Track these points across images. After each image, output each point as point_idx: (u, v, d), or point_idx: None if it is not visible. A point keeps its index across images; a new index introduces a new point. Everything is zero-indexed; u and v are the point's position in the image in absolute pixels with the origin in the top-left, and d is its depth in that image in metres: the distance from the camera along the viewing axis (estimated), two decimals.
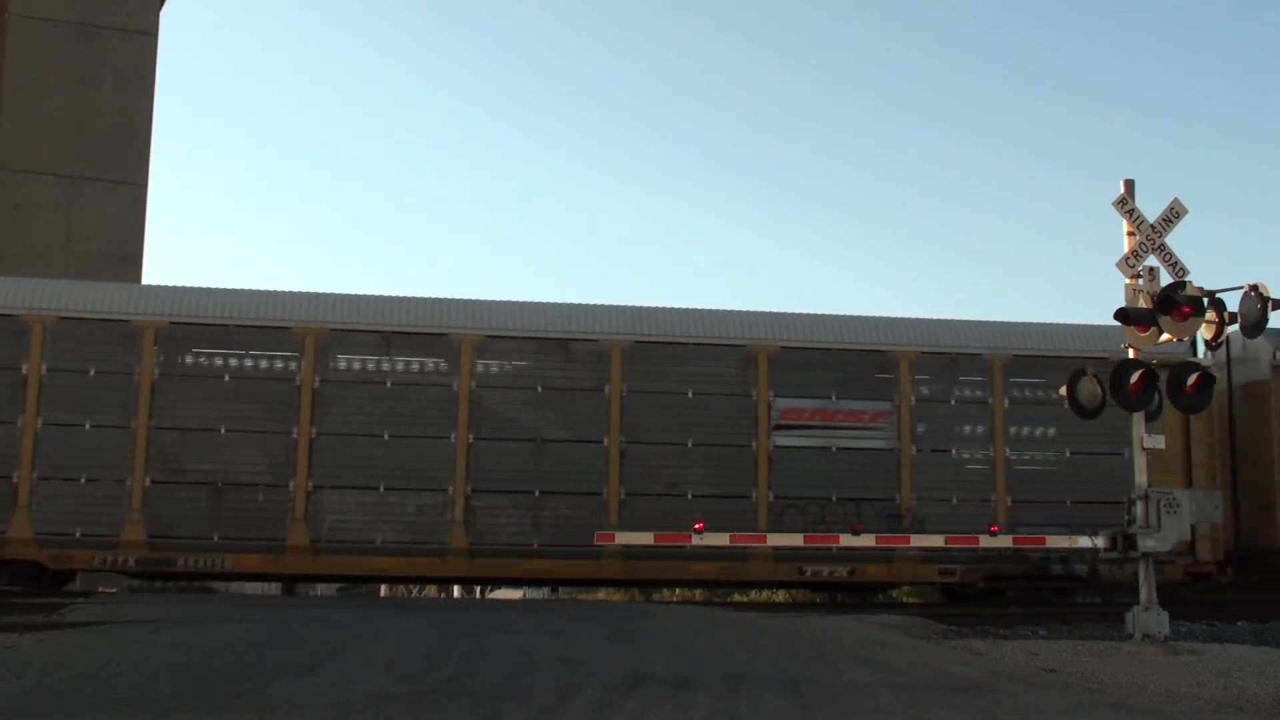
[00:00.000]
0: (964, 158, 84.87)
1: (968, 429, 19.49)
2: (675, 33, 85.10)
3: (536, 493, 18.18)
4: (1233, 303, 12.92)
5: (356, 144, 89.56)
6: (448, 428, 18.15)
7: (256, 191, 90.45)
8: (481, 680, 8.47)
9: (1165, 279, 13.21)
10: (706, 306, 20.10)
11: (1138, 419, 13.37)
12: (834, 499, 18.81)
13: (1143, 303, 13.19)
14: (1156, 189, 31.86)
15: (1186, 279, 13.10)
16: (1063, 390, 14.11)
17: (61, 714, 7.13)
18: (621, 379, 18.60)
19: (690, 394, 18.79)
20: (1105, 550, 13.52)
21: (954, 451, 19.42)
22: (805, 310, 21.89)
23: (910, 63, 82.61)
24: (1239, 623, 16.43)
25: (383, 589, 28.56)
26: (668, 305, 19.84)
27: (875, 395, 19.25)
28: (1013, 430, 19.48)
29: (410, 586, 27.57)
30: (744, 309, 19.94)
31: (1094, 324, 20.24)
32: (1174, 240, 13.37)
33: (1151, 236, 13.34)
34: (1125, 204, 13.55)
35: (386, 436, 18.03)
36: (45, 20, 27.87)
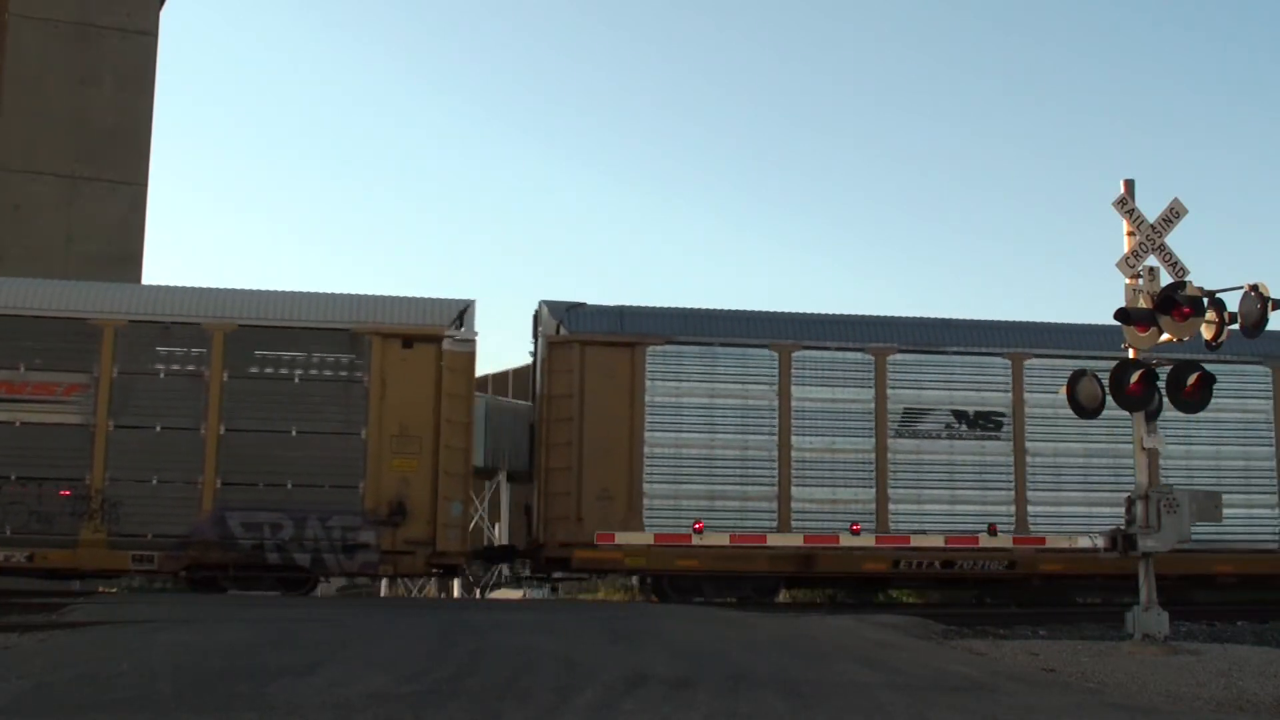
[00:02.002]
0: (963, 158, 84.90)
1: (178, 404, 18.10)
2: (675, 33, 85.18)
3: None
4: (1233, 303, 12.94)
5: (357, 143, 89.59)
6: None
7: (257, 191, 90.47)
8: (481, 680, 8.47)
9: (1165, 279, 13.23)
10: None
11: (1137, 419, 13.38)
12: (14, 478, 17.63)
13: (1143, 303, 13.19)
14: (1156, 189, 31.75)
15: (1186, 279, 13.12)
16: (1063, 390, 14.12)
17: (61, 714, 7.13)
18: None
19: None
20: (1105, 550, 13.53)
21: (159, 429, 18.01)
22: None
23: (909, 63, 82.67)
24: (1239, 623, 16.46)
25: (383, 589, 28.55)
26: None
27: (72, 366, 17.90)
28: (231, 406, 18.11)
29: (410, 586, 27.57)
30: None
31: (369, 294, 19.17)
32: (1174, 240, 13.40)
33: (1151, 236, 13.35)
34: (1125, 204, 13.56)
35: None
36: (45, 20, 27.87)
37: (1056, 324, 20.52)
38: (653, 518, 18.80)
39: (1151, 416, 13.45)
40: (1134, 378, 13.05)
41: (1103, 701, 8.93)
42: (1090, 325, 20.24)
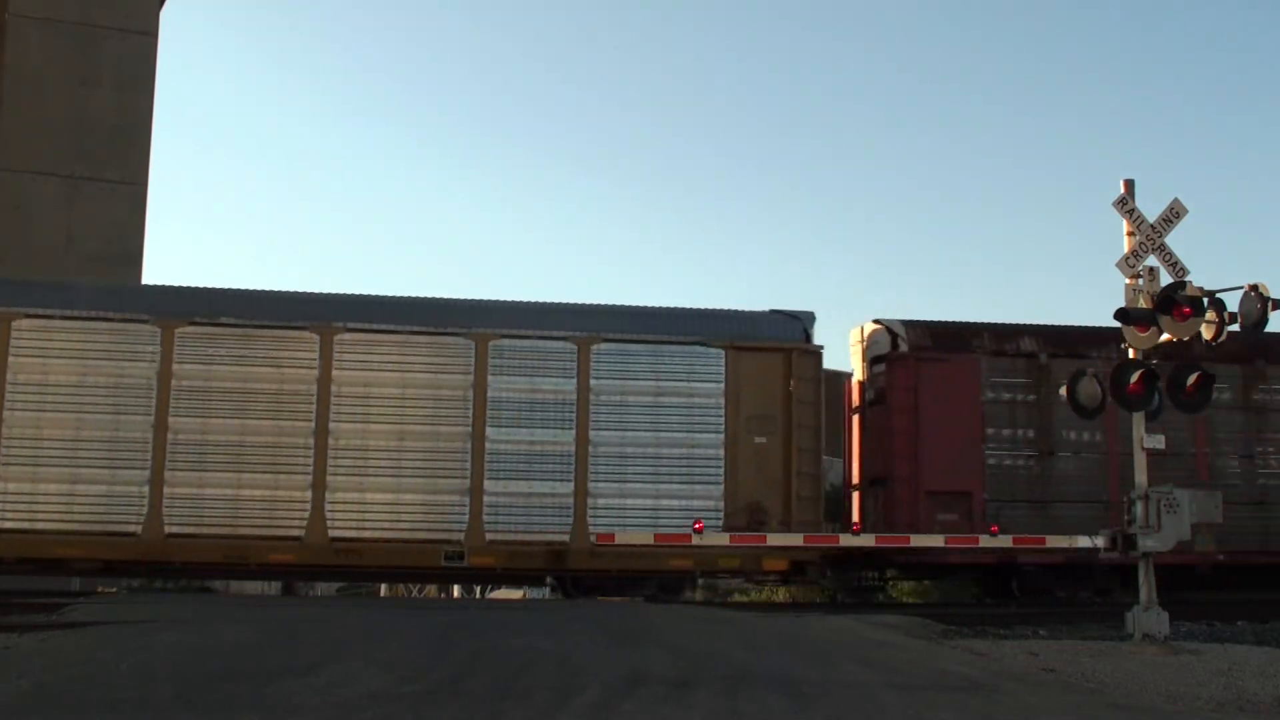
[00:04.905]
0: (962, 159, 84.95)
1: None
2: (670, 37, 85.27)
3: None
4: (1233, 303, 12.94)
5: (357, 142, 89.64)
6: None
7: (256, 191, 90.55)
8: (481, 680, 8.46)
9: (1165, 279, 13.23)
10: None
11: (1138, 419, 13.37)
12: None
13: (1143, 303, 13.20)
14: (1156, 189, 31.78)
15: (1186, 279, 13.12)
16: (1063, 390, 14.13)
17: (61, 714, 7.13)
18: None
19: None
20: (1105, 550, 13.52)
21: None
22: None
23: (907, 65, 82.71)
24: (1239, 623, 16.45)
25: (383, 589, 28.57)
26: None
27: None
28: None
29: (410, 586, 27.57)
30: None
31: None
32: (1174, 240, 13.40)
33: (1151, 236, 13.35)
34: (1125, 204, 13.56)
35: None
36: (45, 20, 27.84)
37: None
38: None
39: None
40: (1134, 377, 13.07)
41: (1103, 701, 8.94)
42: None
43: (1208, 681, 10.20)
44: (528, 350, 18.26)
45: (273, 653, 9.62)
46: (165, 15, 29.70)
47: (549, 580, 19.72)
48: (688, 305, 19.60)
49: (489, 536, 17.75)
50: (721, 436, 18.37)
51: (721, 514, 18.22)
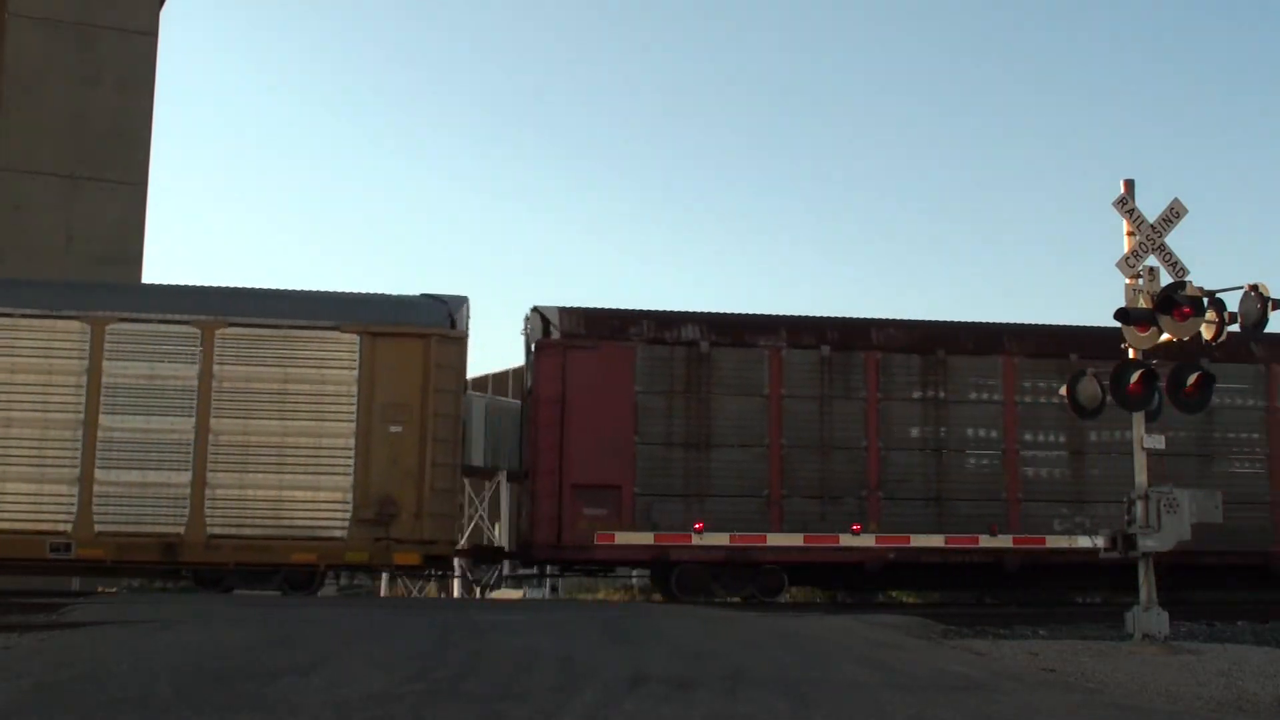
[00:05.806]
0: (962, 158, 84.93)
1: None
2: (674, 29, 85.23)
3: None
4: (1233, 303, 12.95)
5: (356, 141, 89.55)
6: None
7: (256, 191, 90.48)
8: (481, 681, 8.46)
9: (1165, 279, 13.24)
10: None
11: (1138, 419, 13.38)
12: None
13: (1143, 303, 13.21)
14: (1157, 189, 31.74)
15: (1186, 279, 13.13)
16: (1063, 390, 14.14)
17: (61, 714, 7.12)
18: None
19: None
20: (1105, 550, 13.53)
21: None
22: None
23: (907, 63, 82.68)
24: (1239, 623, 16.46)
25: (383, 589, 28.56)
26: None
27: None
28: None
29: (409, 586, 27.56)
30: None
31: None
32: (1174, 240, 13.41)
33: (1151, 236, 13.36)
34: (1125, 204, 13.57)
35: None
36: (45, 20, 27.87)
37: None
38: None
39: (1153, 417, 13.43)
40: (1134, 377, 13.08)
41: (1103, 701, 8.94)
42: None
43: (1208, 681, 10.20)
44: (148, 335, 17.82)
45: (273, 652, 9.62)
46: (165, 15, 29.76)
47: (184, 573, 18.71)
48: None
49: (99, 528, 17.31)
50: (353, 425, 17.88)
51: (350, 506, 17.78)
